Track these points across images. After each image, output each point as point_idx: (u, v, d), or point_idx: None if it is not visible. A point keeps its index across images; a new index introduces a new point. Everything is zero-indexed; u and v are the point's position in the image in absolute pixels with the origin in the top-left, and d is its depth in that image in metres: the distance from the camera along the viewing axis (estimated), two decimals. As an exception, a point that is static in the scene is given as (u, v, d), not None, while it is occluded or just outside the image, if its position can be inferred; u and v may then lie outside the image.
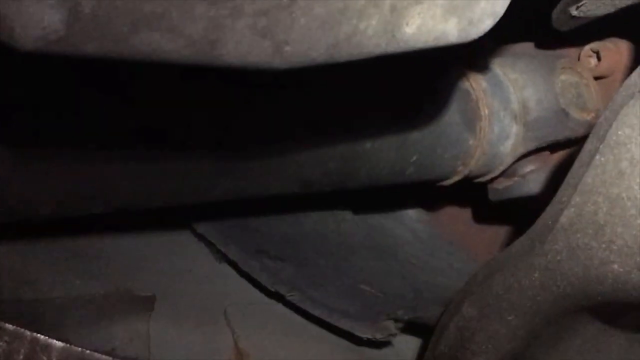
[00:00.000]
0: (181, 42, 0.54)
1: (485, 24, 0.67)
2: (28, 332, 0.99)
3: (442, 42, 0.66)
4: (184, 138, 0.96)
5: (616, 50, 1.29)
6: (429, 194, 1.40)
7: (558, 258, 0.84)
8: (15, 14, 0.48)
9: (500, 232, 1.58)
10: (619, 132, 0.78)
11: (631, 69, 1.27)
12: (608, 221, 0.78)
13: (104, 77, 0.90)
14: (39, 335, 0.99)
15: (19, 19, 0.48)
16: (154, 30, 0.52)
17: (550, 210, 0.86)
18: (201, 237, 1.55)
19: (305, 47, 0.59)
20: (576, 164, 0.83)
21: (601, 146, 0.79)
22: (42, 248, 1.34)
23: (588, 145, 0.82)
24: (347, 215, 1.53)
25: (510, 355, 0.96)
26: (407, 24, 0.63)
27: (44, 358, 1.02)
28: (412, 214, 1.55)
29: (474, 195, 1.41)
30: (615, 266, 0.79)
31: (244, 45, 0.57)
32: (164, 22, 0.52)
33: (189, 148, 0.95)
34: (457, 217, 1.63)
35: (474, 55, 1.20)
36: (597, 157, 0.79)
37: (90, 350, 1.06)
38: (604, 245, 0.79)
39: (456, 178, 1.23)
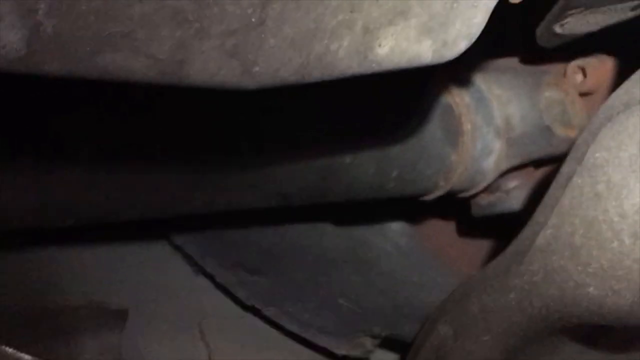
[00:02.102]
0: (147, 62, 0.53)
1: (460, 46, 0.66)
2: (-2, 345, 0.98)
3: (415, 63, 0.65)
4: (160, 150, 0.95)
5: (602, 66, 1.28)
6: (412, 206, 1.39)
7: (534, 279, 0.83)
8: (-26, 33, 0.47)
9: (484, 246, 1.57)
10: (597, 155, 0.77)
11: (616, 86, 1.27)
12: (584, 244, 0.78)
13: (79, 89, 0.89)
14: (7, 348, 0.98)
15: (-22, 38, 0.47)
16: (118, 50, 0.52)
17: (527, 231, 0.85)
18: (178, 249, 1.54)
19: (275, 67, 0.59)
20: (554, 185, 0.83)
21: (578, 168, 0.79)
22: (12, 258, 1.33)
23: (566, 167, 0.81)
24: (328, 227, 1.52)
25: (485, 376, 0.96)
26: (379, 45, 0.63)
27: (14, 371, 1.01)
28: (396, 227, 1.54)
29: (458, 208, 1.41)
30: (591, 289, 0.78)
31: (211, 65, 0.56)
32: (128, 42, 0.52)
33: (165, 160, 0.95)
34: (441, 230, 1.62)
35: (457, 70, 1.19)
36: (575, 179, 0.79)
37: (61, 363, 1.05)
38: (579, 268, 0.78)
39: (438, 193, 1.22)
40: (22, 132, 0.89)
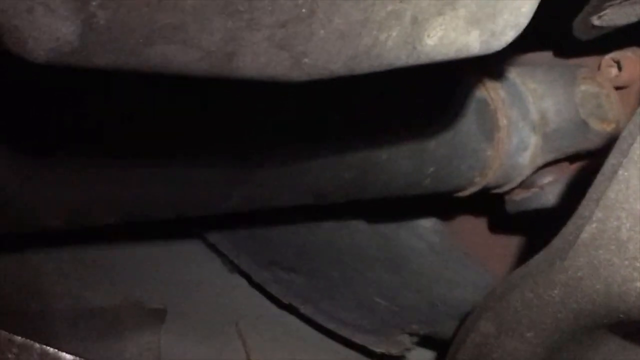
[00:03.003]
0: (197, 55, 0.53)
1: (508, 36, 0.66)
2: (37, 344, 0.98)
3: (463, 54, 0.64)
4: (196, 148, 0.95)
5: (637, 60, 1.27)
6: (444, 203, 1.38)
7: (579, 274, 0.82)
8: (27, 26, 0.47)
9: (515, 243, 1.56)
10: (643, 146, 0.76)
11: (654, 79, 1.26)
12: (631, 237, 0.76)
13: (116, 85, 0.88)
14: (48, 347, 0.98)
15: (31, 31, 0.47)
16: (170, 43, 0.51)
17: (571, 225, 0.84)
18: (213, 248, 1.53)
19: (324, 59, 0.58)
20: (598, 178, 0.81)
21: (624, 160, 0.77)
22: (51, 259, 1.33)
23: (611, 159, 0.80)
24: (361, 225, 1.51)
25: (529, 373, 0.94)
26: (428, 36, 0.62)
27: (53, 370, 1.01)
28: (427, 225, 1.53)
29: (490, 205, 1.39)
30: (638, 284, 0.77)
31: (261, 57, 0.55)
32: (180, 34, 0.51)
33: (201, 158, 0.94)
34: (473, 227, 1.61)
35: (492, 64, 1.18)
36: (621, 171, 0.77)
37: (101, 363, 1.05)
38: (626, 262, 0.77)
39: (473, 189, 1.21)
40: (59, 128, 0.88)
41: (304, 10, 0.55)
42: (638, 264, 0.76)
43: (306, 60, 0.57)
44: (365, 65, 0.61)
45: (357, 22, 0.58)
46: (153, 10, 0.49)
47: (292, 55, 0.56)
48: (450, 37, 0.63)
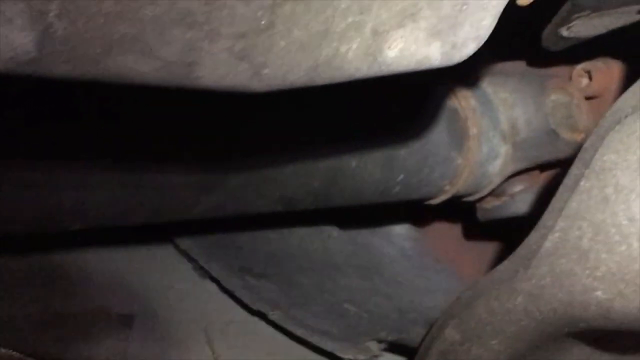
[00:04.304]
0: (156, 65, 0.53)
1: (469, 48, 0.66)
2: (3, 350, 0.98)
3: (424, 65, 0.65)
4: (165, 154, 0.95)
5: (608, 70, 1.28)
6: (417, 210, 1.39)
7: (542, 283, 0.83)
8: (-15, 35, 0.47)
9: (489, 249, 1.57)
10: (605, 158, 0.77)
11: (622, 90, 1.27)
12: (592, 247, 0.77)
13: (83, 91, 0.89)
14: (14, 352, 0.98)
15: (-12, 40, 0.47)
16: (128, 53, 0.51)
17: (534, 234, 0.85)
18: (183, 253, 1.53)
19: (284, 70, 0.59)
20: (561, 189, 0.82)
21: (586, 171, 0.78)
22: (18, 264, 1.32)
23: (574, 170, 0.81)
24: (334, 232, 1.52)
25: (493, 381, 0.95)
26: (389, 48, 0.63)
27: (19, 376, 1.01)
28: (400, 231, 1.54)
29: (463, 212, 1.40)
30: (599, 293, 0.78)
31: (221, 68, 0.56)
32: (138, 44, 0.51)
33: (170, 164, 0.94)
34: (446, 234, 1.62)
35: (463, 73, 1.19)
36: (582, 182, 0.78)
37: (67, 368, 1.05)
38: (587, 272, 0.78)
39: (443, 197, 1.22)
40: (24, 131, 0.88)
41: (263, 21, 0.55)
42: (599, 273, 0.77)
43: (266, 70, 0.58)
44: (326, 76, 0.61)
45: (317, 34, 0.58)
46: (111, 20, 0.50)
47: (252, 66, 0.57)
48: (411, 48, 0.63)
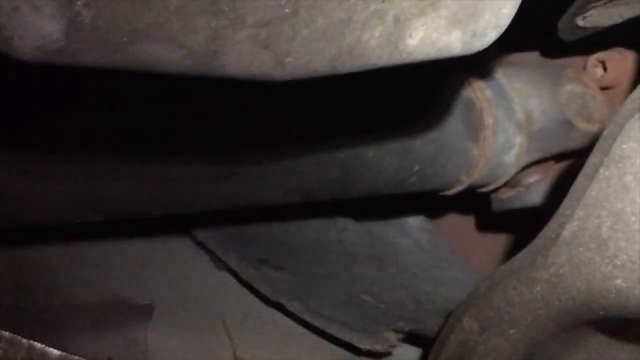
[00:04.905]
0: (181, 53, 0.53)
1: (489, 37, 0.66)
2: (25, 340, 0.98)
3: (445, 54, 0.65)
4: (182, 145, 0.95)
5: (622, 60, 1.28)
6: (431, 201, 1.39)
7: (560, 272, 0.83)
8: (13, 24, 0.48)
9: (503, 241, 1.57)
10: (624, 146, 0.77)
11: (638, 80, 1.27)
12: (611, 236, 0.77)
13: (100, 82, 0.89)
14: (35, 343, 0.98)
15: (17, 29, 0.48)
16: (154, 41, 0.52)
17: (553, 223, 0.85)
18: (201, 245, 1.54)
19: (307, 58, 0.59)
20: (580, 177, 0.82)
21: (605, 160, 0.78)
22: (39, 255, 1.33)
23: (592, 159, 0.81)
24: (349, 223, 1.52)
25: (511, 369, 0.95)
26: (410, 36, 0.63)
27: (40, 366, 1.01)
28: (415, 223, 1.54)
29: (477, 203, 1.40)
30: (618, 281, 0.78)
31: (245, 56, 0.56)
32: (164, 32, 0.52)
33: (187, 156, 0.95)
34: (460, 225, 1.62)
35: (478, 64, 1.19)
36: (601, 170, 0.78)
37: (87, 359, 1.05)
38: (607, 260, 0.78)
39: (459, 188, 1.22)
40: (45, 124, 0.89)
41: (287, 10, 0.56)
42: (618, 262, 0.77)
43: (289, 59, 0.58)
44: (348, 64, 0.61)
45: (340, 22, 0.59)
46: (137, 8, 0.50)
47: (275, 55, 0.57)
48: (432, 37, 0.64)
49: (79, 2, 0.48)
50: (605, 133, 0.80)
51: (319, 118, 1.05)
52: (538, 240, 0.87)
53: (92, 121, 0.92)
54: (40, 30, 0.48)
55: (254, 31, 0.55)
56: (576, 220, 0.81)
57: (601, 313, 0.83)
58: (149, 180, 0.94)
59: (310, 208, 1.24)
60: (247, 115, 0.99)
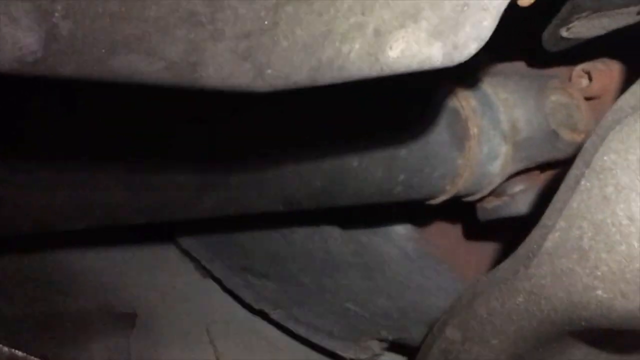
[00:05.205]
0: (161, 65, 0.54)
1: (470, 49, 0.67)
2: (6, 348, 0.98)
3: (426, 66, 0.65)
4: (168, 153, 0.95)
5: (608, 71, 1.29)
6: (418, 210, 1.39)
7: (542, 282, 0.83)
8: (-9, 35, 0.48)
9: (490, 249, 1.57)
10: (605, 158, 0.77)
11: (622, 90, 1.27)
12: (593, 247, 0.78)
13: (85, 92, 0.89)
14: (16, 351, 0.98)
15: (-6, 40, 0.48)
16: (133, 53, 0.52)
17: (535, 234, 0.85)
18: (186, 253, 1.54)
19: (287, 70, 0.59)
20: (562, 188, 0.83)
21: (587, 171, 0.79)
22: (19, 262, 1.33)
23: (574, 170, 0.81)
24: (335, 231, 1.52)
25: (494, 379, 0.96)
26: (390, 48, 0.63)
27: (21, 374, 1.01)
28: (401, 231, 1.54)
29: (464, 211, 1.41)
30: (599, 292, 0.78)
31: (225, 68, 0.56)
32: (142, 44, 0.52)
33: (172, 163, 0.95)
34: (447, 234, 1.62)
35: (463, 74, 1.20)
36: (583, 182, 0.79)
37: (71, 367, 1.05)
38: (588, 271, 0.78)
39: (444, 197, 1.22)
40: (31, 131, 0.89)
41: (266, 22, 0.56)
42: (599, 273, 0.78)
43: (269, 71, 0.58)
44: (328, 76, 0.62)
45: (319, 34, 0.59)
46: (116, 20, 0.50)
47: (255, 66, 0.57)
48: (413, 49, 0.64)
49: (56, 14, 0.48)
50: (587, 144, 0.81)
51: (303, 127, 1.05)
52: (520, 251, 0.88)
53: (78, 130, 0.92)
54: (17, 42, 0.48)
55: (233, 43, 0.55)
56: (558, 231, 0.81)
57: (583, 324, 0.83)
58: (134, 188, 0.94)
59: (295, 216, 1.25)
60: (231, 125, 0.99)
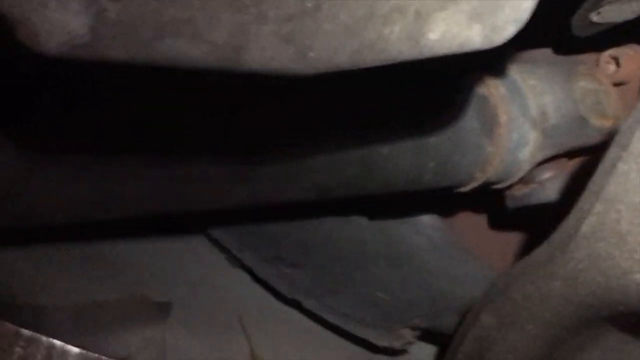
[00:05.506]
0: (205, 48, 0.54)
1: (509, 31, 0.66)
2: (44, 338, 0.99)
3: (466, 48, 0.65)
4: (200, 144, 0.95)
5: (636, 56, 1.28)
6: (444, 199, 1.39)
7: (579, 267, 0.83)
8: (40, 19, 0.48)
9: (516, 238, 1.57)
10: (643, 140, 0.77)
11: (652, 75, 1.27)
12: (630, 230, 0.77)
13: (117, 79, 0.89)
14: (55, 340, 0.99)
15: (44, 24, 0.48)
16: (179, 36, 0.52)
17: (571, 218, 0.85)
18: (216, 243, 1.54)
19: (330, 53, 0.59)
20: (598, 172, 0.82)
21: (624, 154, 0.78)
22: (56, 253, 1.33)
23: (611, 153, 0.81)
24: (363, 222, 1.52)
25: (529, 365, 0.95)
26: (431, 30, 0.63)
27: (60, 364, 1.02)
28: (428, 221, 1.54)
29: (489, 201, 1.40)
30: (638, 275, 0.78)
31: (268, 51, 0.56)
32: (188, 27, 0.52)
33: (205, 155, 0.95)
34: (472, 223, 1.62)
35: (492, 61, 1.19)
36: (620, 165, 0.78)
37: (106, 356, 1.05)
38: (626, 255, 0.78)
39: (474, 185, 1.22)
40: (64, 122, 0.89)
41: (309, 4, 0.56)
42: (637, 256, 0.77)
43: (312, 54, 0.58)
44: (370, 59, 0.62)
45: (361, 17, 0.59)
46: (162, 4, 0.50)
47: (298, 49, 0.57)
48: (453, 31, 0.64)
49: (105, -2, 0.48)
50: (623, 127, 0.80)
51: (334, 116, 1.05)
52: (556, 236, 0.87)
53: (111, 120, 0.92)
54: (66, 26, 0.49)
55: (277, 26, 0.55)
56: (595, 215, 0.81)
57: (620, 308, 0.83)
58: (166, 179, 0.94)
59: (325, 207, 1.25)
60: (263, 114, 1.00)
